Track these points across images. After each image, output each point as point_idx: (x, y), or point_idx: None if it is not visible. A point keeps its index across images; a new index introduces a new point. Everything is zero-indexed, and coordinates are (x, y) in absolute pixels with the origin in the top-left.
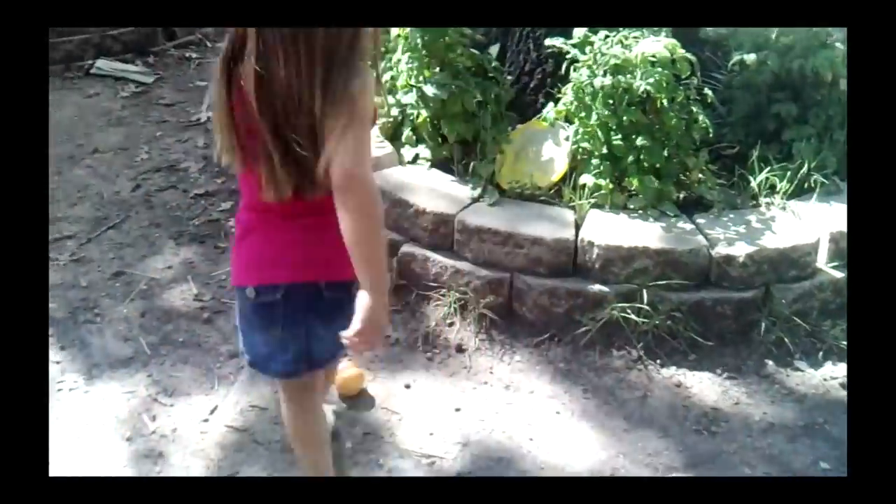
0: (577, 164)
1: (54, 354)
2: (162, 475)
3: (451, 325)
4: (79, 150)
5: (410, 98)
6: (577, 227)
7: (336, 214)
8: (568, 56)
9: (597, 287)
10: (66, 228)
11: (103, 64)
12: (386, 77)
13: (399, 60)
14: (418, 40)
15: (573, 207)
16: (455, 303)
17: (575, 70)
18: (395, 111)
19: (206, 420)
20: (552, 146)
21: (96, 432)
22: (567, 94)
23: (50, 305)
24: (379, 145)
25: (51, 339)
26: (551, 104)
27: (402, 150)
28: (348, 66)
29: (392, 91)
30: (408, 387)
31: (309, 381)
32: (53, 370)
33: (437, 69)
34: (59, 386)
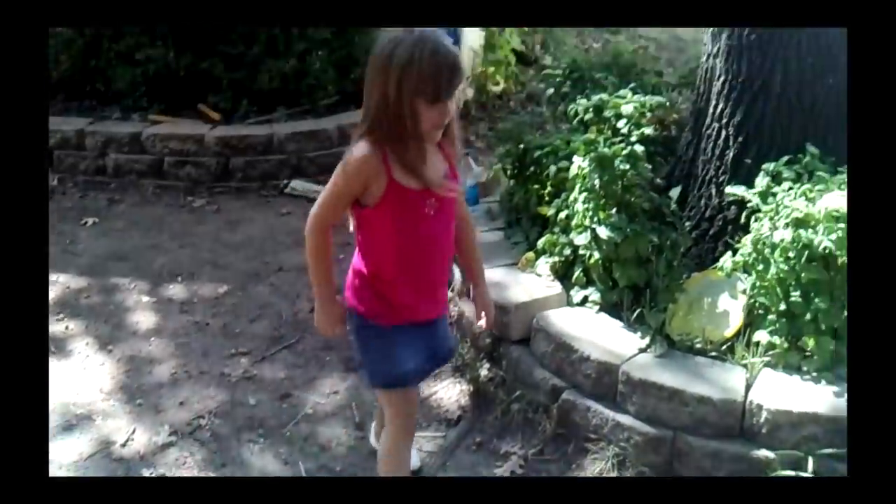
0: (753, 320)
1: (214, 472)
2: None
3: None
4: (264, 267)
5: (584, 239)
6: (748, 387)
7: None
8: (749, 205)
9: (762, 453)
10: (242, 345)
11: (297, 184)
12: (561, 216)
13: (576, 200)
14: (596, 180)
15: (745, 366)
16: (613, 458)
17: (756, 220)
18: (567, 251)
19: None
20: (728, 298)
21: None
22: (746, 244)
23: (215, 422)
24: (548, 285)
25: (213, 456)
26: (729, 254)
27: (572, 292)
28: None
29: (566, 231)
30: None
31: None
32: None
33: (614, 210)
34: None
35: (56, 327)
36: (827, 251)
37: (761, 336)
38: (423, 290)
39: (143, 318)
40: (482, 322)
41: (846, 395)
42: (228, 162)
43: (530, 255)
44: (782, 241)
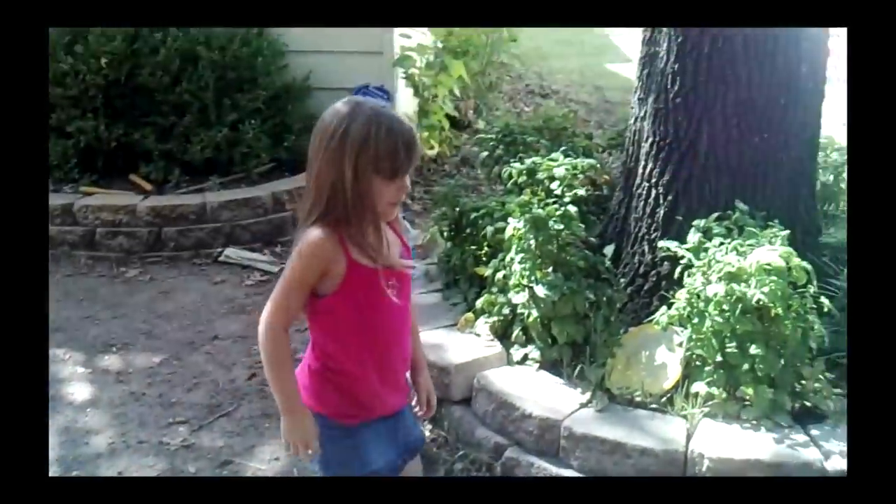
0: (691, 371)
1: None
2: None
3: None
4: (199, 336)
5: (522, 298)
6: (689, 437)
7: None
8: (682, 261)
9: None
10: (180, 414)
11: (231, 252)
12: (499, 276)
13: (512, 260)
14: (531, 241)
15: (685, 416)
16: None
17: (689, 275)
18: (505, 310)
19: None
20: (665, 351)
21: None
22: (681, 299)
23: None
24: (488, 344)
25: None
26: (665, 308)
27: (512, 350)
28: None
29: (504, 290)
30: None
31: None
32: None
33: (550, 269)
34: None
35: None
36: (760, 303)
37: (699, 387)
38: (390, 378)
39: (79, 389)
40: (422, 411)
41: (784, 441)
42: (161, 232)
43: (469, 315)
44: (716, 294)
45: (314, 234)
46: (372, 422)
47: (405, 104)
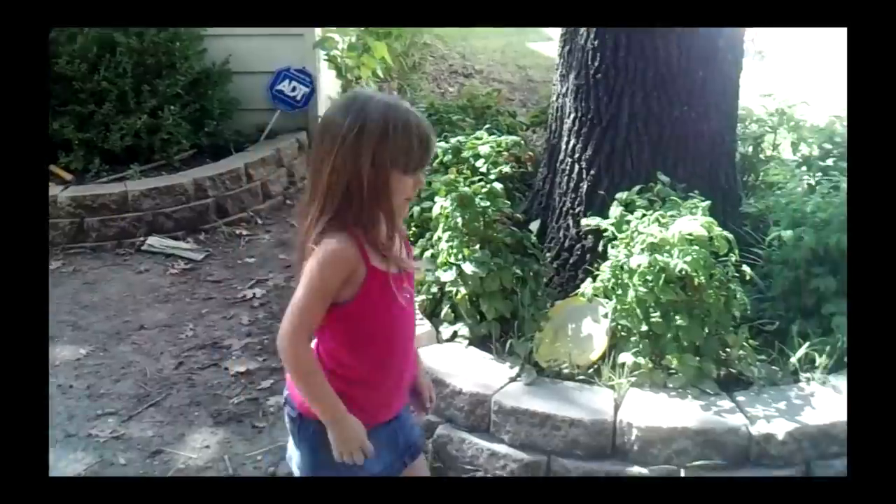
0: (617, 342)
1: None
2: None
3: None
4: (125, 326)
5: (450, 276)
6: (617, 407)
7: None
8: (606, 234)
9: (635, 469)
10: (108, 405)
11: (154, 241)
12: (427, 255)
13: (440, 239)
14: (458, 219)
15: (612, 387)
16: None
17: (613, 247)
18: (434, 288)
19: None
20: (591, 323)
21: None
22: (605, 271)
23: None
24: (417, 323)
25: None
26: (589, 280)
27: (441, 328)
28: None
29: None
30: None
31: None
32: None
33: (477, 246)
34: None
35: None
36: (683, 273)
37: (626, 357)
38: (401, 382)
39: None
40: (421, 411)
41: (711, 408)
42: (83, 222)
43: None
44: (639, 265)
45: (332, 242)
46: (373, 428)
47: (328, 86)
